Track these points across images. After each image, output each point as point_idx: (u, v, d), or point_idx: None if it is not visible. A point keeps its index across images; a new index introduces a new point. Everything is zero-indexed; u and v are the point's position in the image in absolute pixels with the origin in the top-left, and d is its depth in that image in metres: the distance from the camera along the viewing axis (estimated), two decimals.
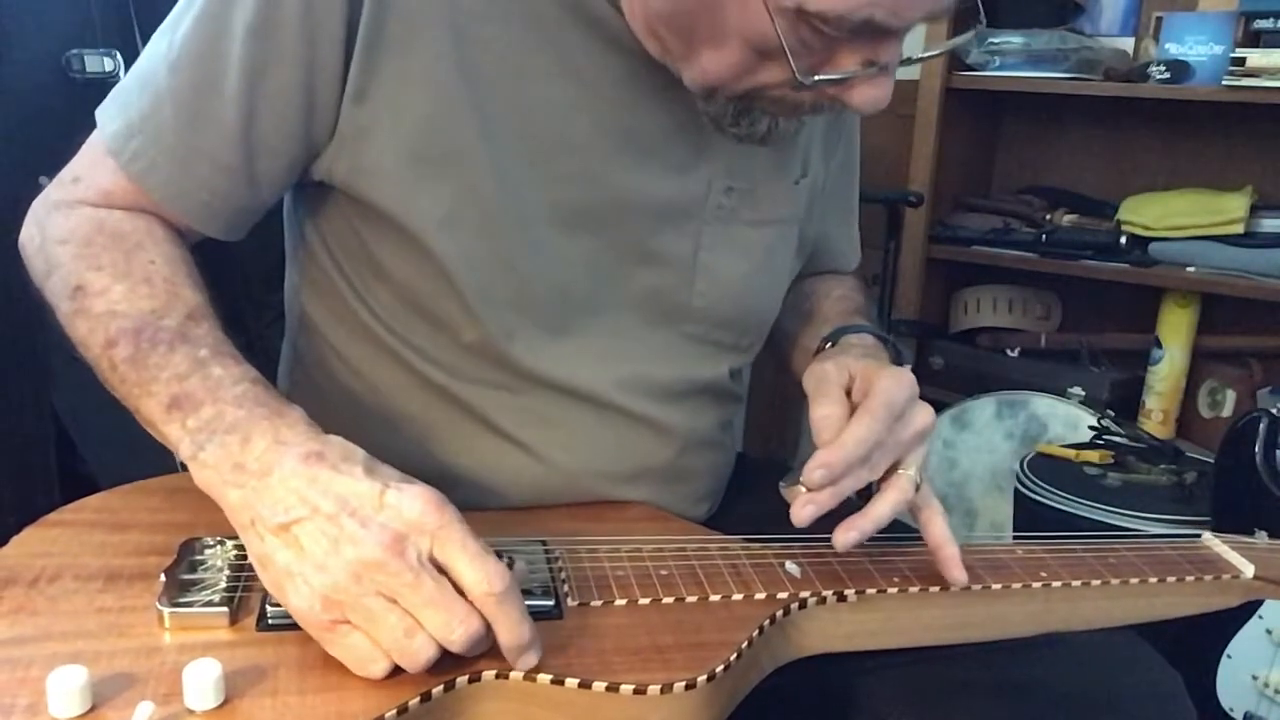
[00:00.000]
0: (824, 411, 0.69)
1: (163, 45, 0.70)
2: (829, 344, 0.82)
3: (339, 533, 0.53)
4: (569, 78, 0.72)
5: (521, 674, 0.55)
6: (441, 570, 0.53)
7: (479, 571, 0.53)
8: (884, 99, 0.64)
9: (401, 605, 0.53)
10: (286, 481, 0.55)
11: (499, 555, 0.55)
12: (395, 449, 0.59)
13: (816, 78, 0.63)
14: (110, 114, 0.72)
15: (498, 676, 0.55)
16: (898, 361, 0.79)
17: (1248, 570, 0.77)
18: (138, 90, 0.71)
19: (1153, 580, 0.74)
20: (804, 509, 0.65)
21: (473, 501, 0.74)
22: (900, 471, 0.69)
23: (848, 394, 0.71)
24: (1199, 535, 0.82)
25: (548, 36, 0.71)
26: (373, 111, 0.69)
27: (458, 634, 0.52)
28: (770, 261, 0.85)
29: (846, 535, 0.67)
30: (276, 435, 0.58)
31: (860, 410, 0.68)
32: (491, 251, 0.72)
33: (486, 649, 0.54)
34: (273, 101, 0.69)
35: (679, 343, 0.81)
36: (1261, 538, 0.84)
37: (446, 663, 0.54)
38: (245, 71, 0.68)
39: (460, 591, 0.53)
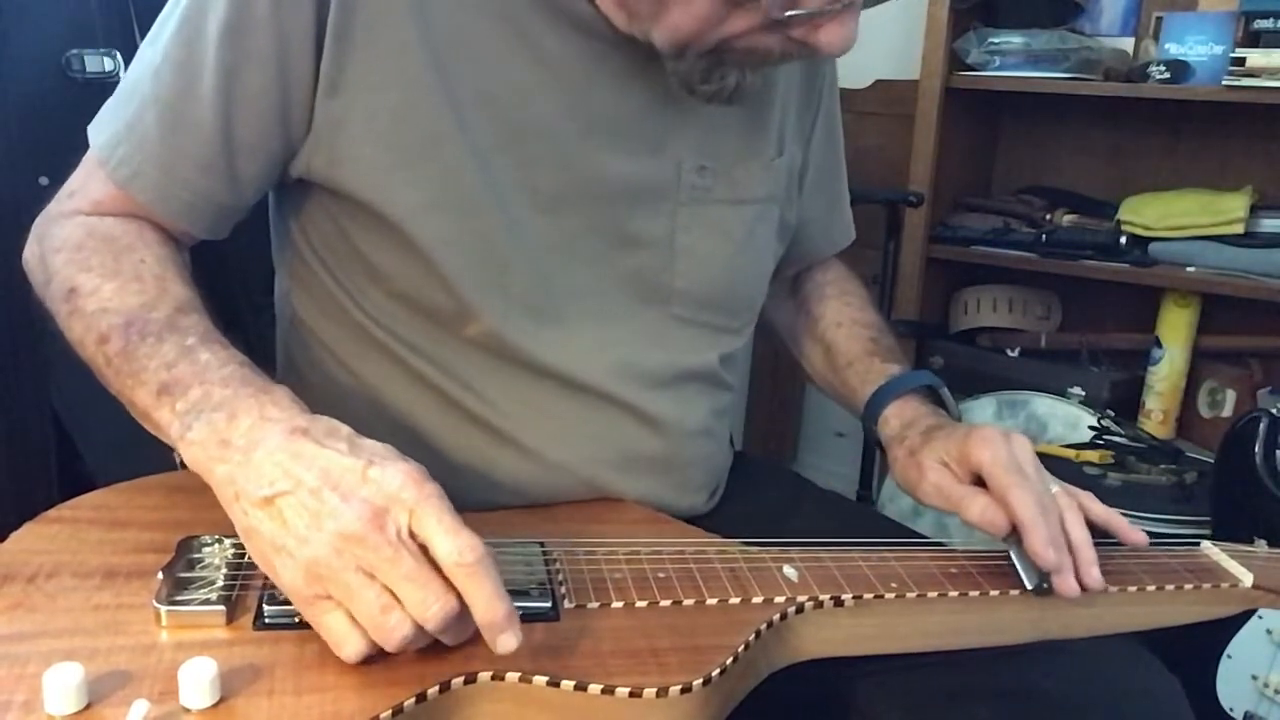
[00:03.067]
0: (977, 509, 0.74)
1: (146, 55, 0.72)
2: (880, 418, 0.87)
3: (320, 506, 0.54)
4: (535, 62, 0.73)
5: (517, 676, 0.55)
6: (423, 548, 0.54)
7: (451, 542, 0.53)
8: (851, 38, 0.66)
9: (380, 580, 0.53)
10: (271, 456, 0.56)
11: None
12: (389, 444, 0.59)
13: (789, 13, 0.64)
14: (100, 126, 0.74)
15: (493, 678, 0.55)
16: (940, 401, 0.88)
17: (1246, 579, 0.77)
18: (124, 101, 0.73)
19: (1151, 588, 0.74)
20: (1068, 579, 0.70)
21: (467, 496, 0.74)
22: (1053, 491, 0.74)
23: (950, 468, 0.78)
24: (1198, 543, 0.81)
25: (512, 22, 0.72)
26: (346, 103, 0.70)
27: (433, 611, 0.53)
28: (751, 241, 0.85)
29: (1093, 576, 0.71)
30: (263, 412, 0.59)
31: (1002, 491, 0.73)
32: (473, 236, 0.73)
33: (467, 637, 0.55)
34: (249, 100, 0.70)
35: (668, 326, 0.81)
36: (1261, 546, 0.84)
37: (441, 662, 0.54)
38: (220, 72, 0.69)
39: (439, 569, 0.54)
